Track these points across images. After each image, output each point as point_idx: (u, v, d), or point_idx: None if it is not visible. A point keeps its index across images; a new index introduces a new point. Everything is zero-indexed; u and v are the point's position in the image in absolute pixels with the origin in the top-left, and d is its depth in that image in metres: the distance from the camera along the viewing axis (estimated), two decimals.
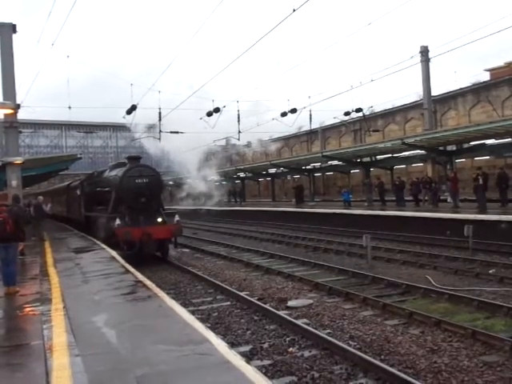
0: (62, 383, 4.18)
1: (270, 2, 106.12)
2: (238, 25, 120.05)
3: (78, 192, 21.62)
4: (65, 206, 27.87)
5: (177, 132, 29.69)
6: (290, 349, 6.76)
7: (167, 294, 8.21)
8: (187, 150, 31.46)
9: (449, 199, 23.18)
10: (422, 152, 24.97)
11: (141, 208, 15.40)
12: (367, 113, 36.46)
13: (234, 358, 4.68)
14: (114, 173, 17.44)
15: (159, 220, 15.54)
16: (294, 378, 5.74)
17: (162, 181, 17.43)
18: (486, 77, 37.30)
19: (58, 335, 5.66)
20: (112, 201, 16.27)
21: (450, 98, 36.14)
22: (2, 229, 8.29)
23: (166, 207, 18.12)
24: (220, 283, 11.29)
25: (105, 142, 66.20)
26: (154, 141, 30.95)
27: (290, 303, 9.39)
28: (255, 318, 8.47)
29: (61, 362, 4.70)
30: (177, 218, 15.77)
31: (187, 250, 18.38)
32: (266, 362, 6.27)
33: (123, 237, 14.37)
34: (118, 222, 14.66)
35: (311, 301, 9.48)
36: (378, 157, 28.44)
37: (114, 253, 13.43)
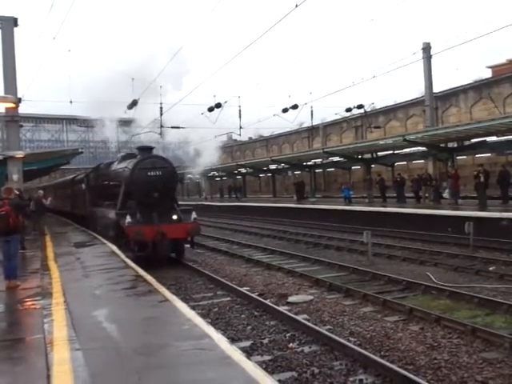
0: (63, 377, 4.19)
1: None
2: (239, 20, 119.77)
3: (83, 186, 20.59)
4: (69, 200, 26.78)
5: (178, 127, 29.68)
6: (290, 344, 6.77)
7: (167, 289, 8.22)
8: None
9: (445, 195, 23.17)
10: (423, 149, 24.96)
11: (153, 204, 13.87)
12: (368, 109, 36.43)
13: (234, 353, 4.68)
14: (123, 165, 15.82)
15: (174, 217, 14.02)
16: (294, 374, 5.74)
17: (176, 173, 16.00)
18: (488, 74, 37.33)
19: (59, 329, 5.67)
20: (121, 195, 14.82)
21: (451, 95, 36.09)
22: (6, 222, 8.29)
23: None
24: (220, 279, 11.30)
25: (106, 137, 66.05)
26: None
27: (291, 299, 9.40)
28: (256, 313, 8.48)
29: (61, 356, 4.70)
30: (194, 215, 14.33)
31: (187, 246, 18.35)
32: (266, 358, 6.28)
33: (134, 236, 12.85)
34: (128, 219, 13.14)
35: (311, 297, 9.49)
36: (379, 153, 28.43)
37: (114, 247, 13.42)
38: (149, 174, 14.11)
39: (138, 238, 12.87)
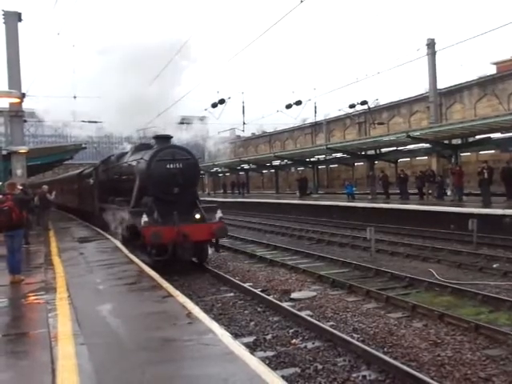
0: (67, 371, 4.21)
1: None
2: (243, 16, 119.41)
3: (92, 181, 19.33)
4: (76, 196, 25.33)
5: (182, 123, 29.66)
6: (294, 340, 6.78)
7: (171, 284, 8.23)
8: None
9: (449, 193, 23.15)
10: (427, 145, 24.87)
11: (173, 201, 12.24)
12: (372, 105, 36.42)
13: (237, 348, 4.69)
14: (137, 156, 13.88)
15: (197, 216, 12.32)
16: (297, 370, 5.76)
17: (199, 166, 14.32)
18: (493, 70, 37.14)
19: (63, 324, 5.69)
20: (135, 191, 13.13)
21: (455, 91, 35.90)
22: (9, 217, 8.31)
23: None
24: (224, 274, 11.32)
25: (109, 132, 65.99)
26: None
27: (294, 295, 9.41)
28: (259, 309, 8.50)
29: (66, 351, 4.72)
30: (219, 213, 12.59)
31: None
32: (270, 354, 6.30)
33: (152, 239, 11.14)
34: (145, 218, 11.45)
35: (314, 293, 9.50)
36: (383, 150, 28.33)
37: (118, 243, 13.44)
38: (168, 166, 12.45)
39: (156, 241, 11.22)
